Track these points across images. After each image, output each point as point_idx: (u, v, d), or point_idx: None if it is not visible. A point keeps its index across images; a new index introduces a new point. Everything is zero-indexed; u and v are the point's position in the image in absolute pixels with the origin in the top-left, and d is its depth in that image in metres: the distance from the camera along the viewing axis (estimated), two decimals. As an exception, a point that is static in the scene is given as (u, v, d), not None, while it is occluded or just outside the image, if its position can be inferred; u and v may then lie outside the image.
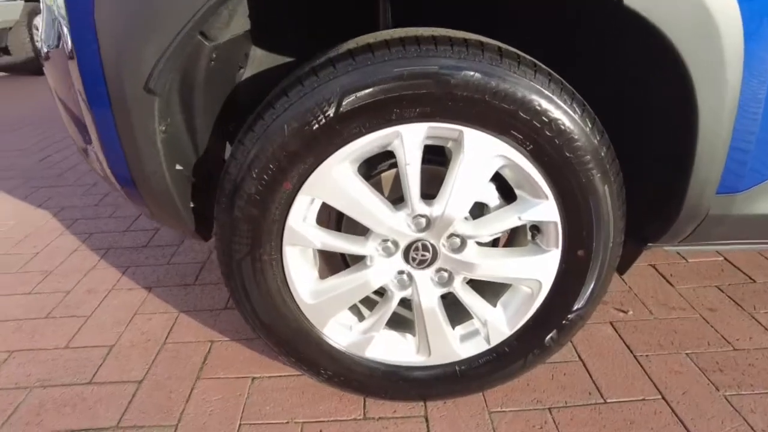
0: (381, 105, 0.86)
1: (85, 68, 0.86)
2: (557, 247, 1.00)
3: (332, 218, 1.11)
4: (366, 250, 1.03)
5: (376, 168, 1.08)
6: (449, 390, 1.16)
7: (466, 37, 0.88)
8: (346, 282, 1.05)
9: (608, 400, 1.22)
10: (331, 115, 0.86)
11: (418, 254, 1.03)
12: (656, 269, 1.77)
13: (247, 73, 1.18)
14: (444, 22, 1.10)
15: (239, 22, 1.00)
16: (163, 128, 0.91)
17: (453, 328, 1.14)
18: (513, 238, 1.21)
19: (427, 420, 1.17)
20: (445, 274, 1.06)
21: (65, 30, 0.87)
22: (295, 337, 1.09)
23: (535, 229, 1.03)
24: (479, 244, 1.08)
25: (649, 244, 1.10)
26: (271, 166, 0.91)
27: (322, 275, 1.10)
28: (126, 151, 0.93)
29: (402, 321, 1.21)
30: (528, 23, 1.23)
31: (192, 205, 1.08)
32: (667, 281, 1.70)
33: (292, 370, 1.34)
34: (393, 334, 1.16)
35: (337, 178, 0.93)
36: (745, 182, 0.96)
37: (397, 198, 1.04)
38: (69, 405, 1.27)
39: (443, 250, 1.03)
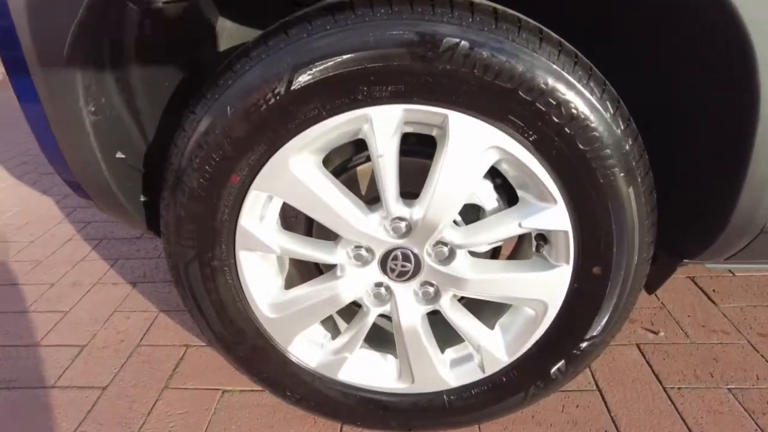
0: (343, 81, 0.69)
1: None
2: (567, 262, 0.81)
3: (301, 219, 0.95)
4: (335, 258, 0.87)
5: (353, 161, 0.91)
6: (436, 422, 0.99)
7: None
8: (312, 294, 0.89)
9: (629, 443, 1.03)
10: (282, 93, 0.70)
11: (397, 264, 0.86)
12: (695, 282, 1.53)
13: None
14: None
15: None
16: (93, 109, 0.77)
17: (443, 351, 0.97)
18: (519, 250, 1.02)
19: (410, 454, 1.01)
20: (431, 289, 0.89)
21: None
22: (254, 354, 0.94)
23: (542, 239, 0.85)
24: (474, 255, 0.90)
25: (686, 261, 0.90)
26: (214, 155, 0.76)
27: (293, 285, 0.95)
28: (55, 134, 0.80)
29: (385, 338, 1.04)
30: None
31: (143, 198, 0.94)
32: (709, 298, 1.46)
33: (266, 385, 1.20)
34: (372, 355, 1.00)
35: (295, 172, 0.77)
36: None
37: (375, 197, 0.87)
38: (27, 410, 1.18)
39: (428, 260, 0.85)
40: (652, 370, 1.20)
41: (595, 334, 0.87)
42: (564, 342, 0.88)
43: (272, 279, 0.92)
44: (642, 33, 0.86)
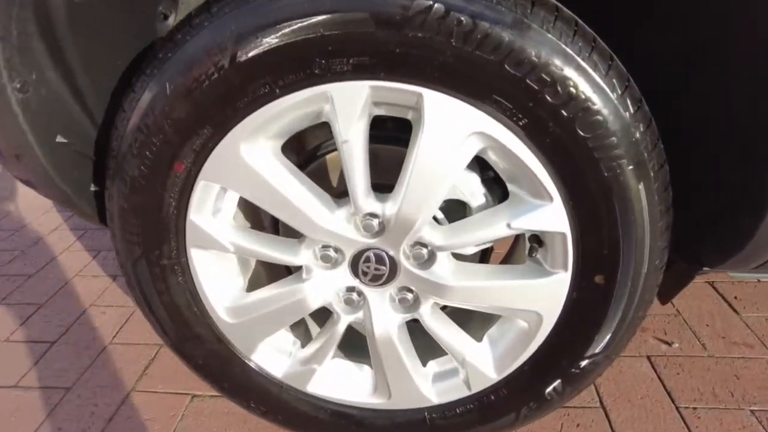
0: (295, 52, 0.58)
1: None
2: (565, 268, 0.70)
3: (267, 214, 0.85)
4: (299, 259, 0.76)
5: (321, 148, 0.80)
6: (416, 442, 0.89)
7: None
8: (275, 298, 0.79)
9: (634, 471, 0.91)
10: (226, 66, 0.60)
11: (370, 267, 0.75)
12: (715, 288, 1.39)
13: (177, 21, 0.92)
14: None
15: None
16: (19, 86, 0.68)
17: (425, 363, 0.86)
18: (514, 252, 0.91)
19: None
20: (410, 296, 0.78)
21: None
22: (213, 362, 0.85)
23: (536, 241, 0.73)
24: (460, 258, 0.79)
25: (706, 268, 0.77)
26: (154, 139, 0.66)
27: (260, 286, 0.85)
28: (-18, 114, 0.71)
29: (361, 346, 0.94)
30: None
31: (94, 188, 0.85)
32: (730, 305, 1.32)
33: (239, 391, 1.11)
34: (345, 366, 0.90)
35: (248, 160, 0.67)
36: None
37: (346, 190, 0.76)
38: (-17, 412, 1.11)
39: (405, 263, 0.75)
40: (664, 387, 1.08)
41: (596, 351, 0.76)
42: (561, 359, 0.77)
43: (232, 280, 0.82)
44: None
